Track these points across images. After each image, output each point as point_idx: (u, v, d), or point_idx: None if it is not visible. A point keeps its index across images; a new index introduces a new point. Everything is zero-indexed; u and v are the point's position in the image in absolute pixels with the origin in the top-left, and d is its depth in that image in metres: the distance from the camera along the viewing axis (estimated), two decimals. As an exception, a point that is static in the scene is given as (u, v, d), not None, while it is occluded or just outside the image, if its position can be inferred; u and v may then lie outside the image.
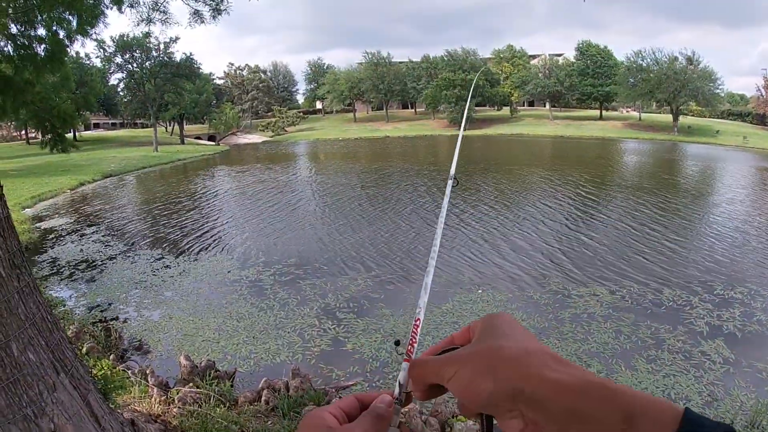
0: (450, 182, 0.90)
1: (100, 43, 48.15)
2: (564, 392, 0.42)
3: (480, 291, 8.63)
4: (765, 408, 4.99)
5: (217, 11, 8.73)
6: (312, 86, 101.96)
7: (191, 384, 5.40)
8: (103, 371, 5.55)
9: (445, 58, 79.94)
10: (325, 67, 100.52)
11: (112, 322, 7.91)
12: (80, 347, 6.39)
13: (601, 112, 75.92)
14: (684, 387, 5.55)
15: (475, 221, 13.82)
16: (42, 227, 15.60)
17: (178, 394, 5.10)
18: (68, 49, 7.46)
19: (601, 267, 9.83)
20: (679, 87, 58.41)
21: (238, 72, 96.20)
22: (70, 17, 6.57)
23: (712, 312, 7.55)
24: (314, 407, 4.91)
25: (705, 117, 76.12)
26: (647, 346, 6.54)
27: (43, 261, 11.75)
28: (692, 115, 74.79)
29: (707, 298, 8.13)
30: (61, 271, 10.94)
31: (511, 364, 0.47)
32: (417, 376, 0.57)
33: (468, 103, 2.33)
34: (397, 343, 0.65)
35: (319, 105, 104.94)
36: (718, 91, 61.83)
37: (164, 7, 8.06)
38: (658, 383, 5.63)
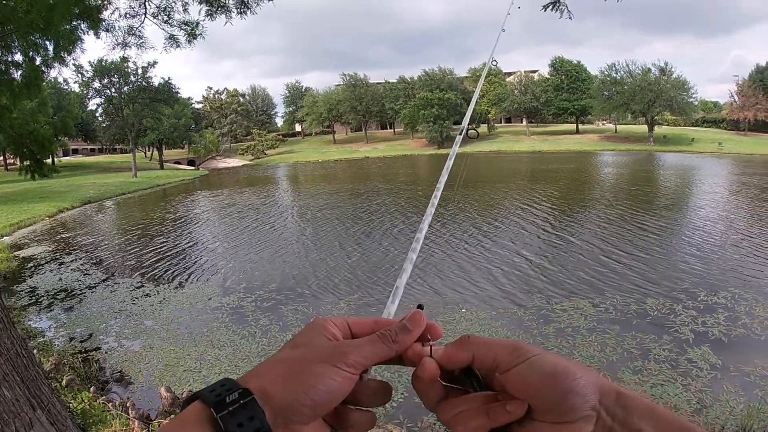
0: (461, 135, 0.86)
1: (78, 68, 47.99)
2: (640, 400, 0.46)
3: (464, 310, 8.56)
4: (755, 411, 4.99)
5: (192, 36, 8.69)
6: (291, 109, 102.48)
7: (173, 416, 5.26)
8: (82, 405, 5.41)
9: (422, 78, 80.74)
10: (303, 90, 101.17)
11: (92, 353, 7.72)
12: (60, 380, 6.22)
13: (577, 126, 77.20)
14: (672, 396, 5.54)
15: (454, 240, 13.80)
16: (20, 255, 15.37)
17: (159, 426, 4.97)
18: (45, 75, 7.39)
19: (583, 280, 9.85)
20: (653, 98, 59.71)
21: (216, 96, 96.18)
22: (47, 43, 6.52)
23: (696, 319, 7.60)
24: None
25: (680, 126, 77.75)
26: (633, 357, 6.53)
27: (22, 290, 11.52)
28: (667, 125, 76.44)
29: (691, 305, 8.18)
30: (40, 300, 10.72)
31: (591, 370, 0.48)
32: (462, 358, 0.52)
33: (466, 118, 2.33)
34: (421, 306, 0.62)
35: (298, 127, 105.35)
36: (691, 99, 63.34)
37: (139, 31, 8.03)
38: (645, 394, 5.61)
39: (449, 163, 0.82)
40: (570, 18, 7.30)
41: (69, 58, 7.22)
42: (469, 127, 0.94)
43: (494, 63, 1.67)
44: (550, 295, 9.07)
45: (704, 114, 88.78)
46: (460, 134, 0.94)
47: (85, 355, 7.66)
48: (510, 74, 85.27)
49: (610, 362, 6.42)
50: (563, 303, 8.62)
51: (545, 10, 7.28)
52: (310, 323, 0.56)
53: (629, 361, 6.40)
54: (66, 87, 51.42)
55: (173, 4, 8.10)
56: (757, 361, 6.25)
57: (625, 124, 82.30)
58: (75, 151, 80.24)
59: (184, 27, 8.59)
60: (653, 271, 10.20)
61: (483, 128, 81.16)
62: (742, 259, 10.96)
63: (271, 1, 8.47)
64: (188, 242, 16.23)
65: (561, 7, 7.21)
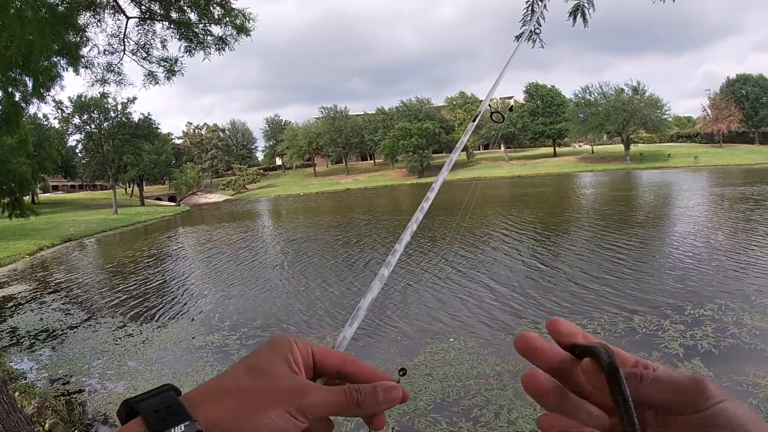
0: (474, 122, 0.80)
1: (58, 104, 47.93)
2: None
3: (452, 339, 8.43)
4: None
5: (171, 72, 8.74)
6: (271, 143, 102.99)
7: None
8: (65, 450, 5.23)
9: (401, 109, 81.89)
10: (282, 124, 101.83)
11: (75, 395, 7.49)
12: (42, 424, 6.04)
13: (554, 149, 78.51)
14: (667, 412, 5.51)
15: (438, 269, 13.69)
16: (1, 295, 15.25)
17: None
18: (25, 111, 7.34)
19: (569, 301, 9.83)
20: (627, 117, 61.23)
21: (196, 131, 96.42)
22: (26, 78, 6.49)
23: (684, 333, 7.61)
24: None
25: (655, 142, 79.52)
26: (624, 375, 6.49)
27: (2, 331, 11.32)
28: (643, 143, 78.14)
29: (678, 319, 8.20)
30: (21, 341, 10.48)
31: None
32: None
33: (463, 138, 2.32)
34: (403, 371, 0.57)
35: (279, 161, 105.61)
36: (665, 116, 65.04)
37: (118, 68, 8.05)
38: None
39: (453, 156, 0.78)
40: (542, 47, 7.51)
41: (48, 94, 7.21)
42: (492, 109, 0.84)
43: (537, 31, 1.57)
44: (537, 319, 9.01)
45: (678, 129, 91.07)
46: (474, 121, 0.87)
47: (68, 397, 7.43)
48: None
49: (602, 382, 6.37)
50: (552, 326, 8.54)
51: (517, 40, 7.46)
52: (273, 340, 0.53)
53: (621, 380, 6.35)
54: (46, 123, 51.44)
55: (152, 41, 8.15)
56: (748, 369, 6.26)
57: (602, 144, 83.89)
58: (55, 188, 79.67)
59: (162, 63, 8.64)
60: (638, 288, 10.24)
61: (462, 156, 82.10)
62: (724, 269, 11.09)
63: (248, 37, 8.57)
64: (170, 280, 15.99)
65: (533, 37, 7.42)
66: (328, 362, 0.54)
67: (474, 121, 0.89)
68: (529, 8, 7.23)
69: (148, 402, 0.46)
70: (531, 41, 7.43)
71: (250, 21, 8.39)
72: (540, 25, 7.34)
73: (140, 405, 0.45)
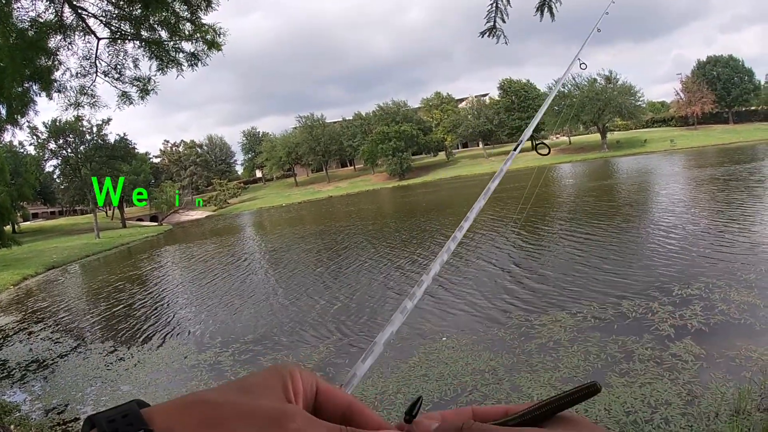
0: (516, 151, 0.79)
1: (33, 130, 47.35)
2: None
3: (444, 338, 8.44)
4: (746, 393, 5.05)
5: (144, 91, 8.71)
6: (250, 155, 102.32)
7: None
8: (64, 480, 5.16)
9: (378, 113, 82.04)
10: (260, 135, 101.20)
11: (70, 424, 7.39)
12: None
13: (533, 143, 78.95)
14: (662, 392, 5.57)
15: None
16: (-12, 327, 15.00)
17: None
18: (0, 140, 7.29)
19: (558, 293, 9.88)
20: (602, 106, 61.93)
21: (174, 149, 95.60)
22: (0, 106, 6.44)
23: (674, 313, 7.71)
24: None
25: (631, 129, 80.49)
26: (617, 360, 6.56)
27: (-8, 364, 11.12)
28: (619, 130, 79.06)
29: (666, 301, 8.31)
30: (12, 373, 10.30)
31: None
32: None
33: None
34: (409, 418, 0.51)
35: (258, 173, 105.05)
36: (639, 103, 65.88)
37: (92, 90, 7.99)
38: (635, 394, 5.64)
39: (492, 185, 0.76)
40: (506, 43, 7.60)
41: (22, 120, 7.14)
42: (536, 138, 0.79)
43: (583, 66, 1.61)
44: (528, 311, 9.06)
45: (653, 115, 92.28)
46: (516, 150, 0.84)
47: (64, 427, 7.33)
48: (461, 100, 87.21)
49: (595, 369, 6.43)
50: (542, 317, 8.59)
51: (482, 37, 7.58)
52: (275, 367, 0.48)
53: (614, 365, 6.42)
54: (22, 150, 50.80)
55: (124, 61, 8.11)
56: (739, 343, 6.37)
57: (579, 134, 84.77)
58: (35, 215, 78.43)
59: (136, 83, 8.60)
60: (624, 274, 10.36)
61: (441, 155, 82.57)
62: (706, 249, 11.26)
63: (220, 51, 8.55)
64: (157, 300, 15.82)
65: (497, 33, 7.52)
66: (333, 403, 0.48)
67: (515, 150, 0.90)
68: (494, 5, 7.32)
69: (106, 413, 0.43)
70: (495, 37, 7.54)
71: (221, 36, 8.39)
72: (504, 21, 7.44)
73: (97, 417, 0.42)
